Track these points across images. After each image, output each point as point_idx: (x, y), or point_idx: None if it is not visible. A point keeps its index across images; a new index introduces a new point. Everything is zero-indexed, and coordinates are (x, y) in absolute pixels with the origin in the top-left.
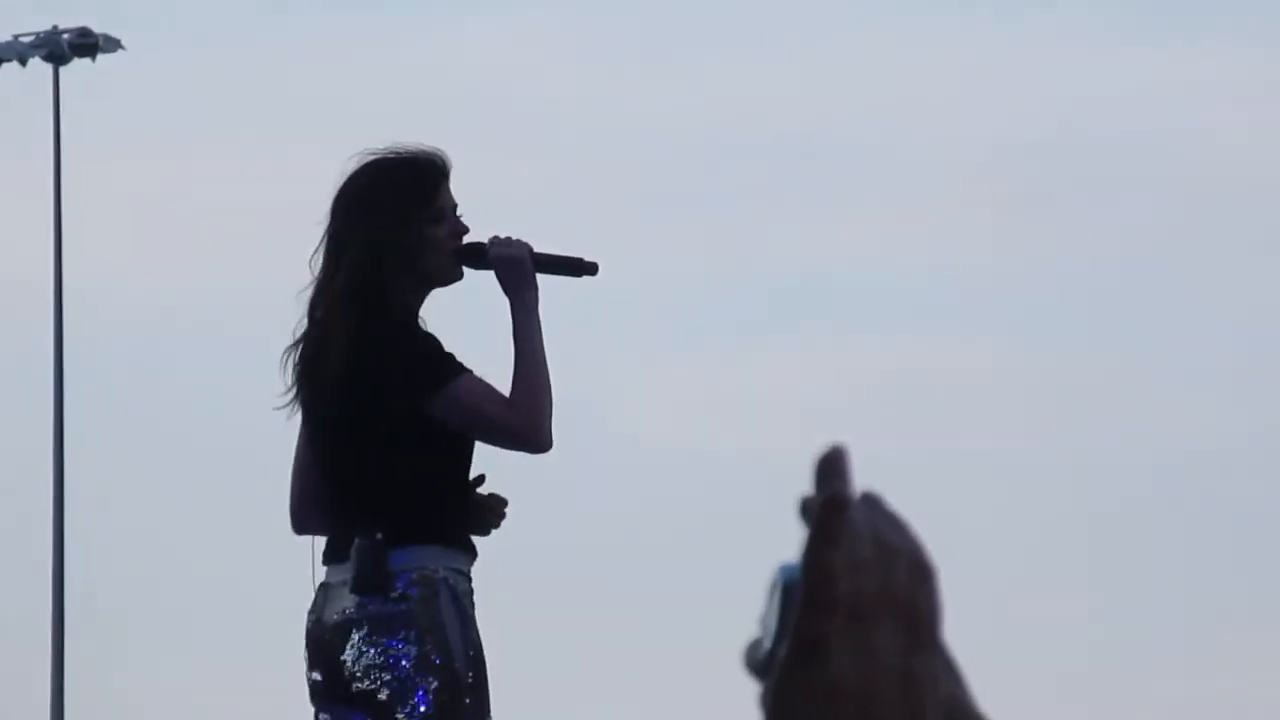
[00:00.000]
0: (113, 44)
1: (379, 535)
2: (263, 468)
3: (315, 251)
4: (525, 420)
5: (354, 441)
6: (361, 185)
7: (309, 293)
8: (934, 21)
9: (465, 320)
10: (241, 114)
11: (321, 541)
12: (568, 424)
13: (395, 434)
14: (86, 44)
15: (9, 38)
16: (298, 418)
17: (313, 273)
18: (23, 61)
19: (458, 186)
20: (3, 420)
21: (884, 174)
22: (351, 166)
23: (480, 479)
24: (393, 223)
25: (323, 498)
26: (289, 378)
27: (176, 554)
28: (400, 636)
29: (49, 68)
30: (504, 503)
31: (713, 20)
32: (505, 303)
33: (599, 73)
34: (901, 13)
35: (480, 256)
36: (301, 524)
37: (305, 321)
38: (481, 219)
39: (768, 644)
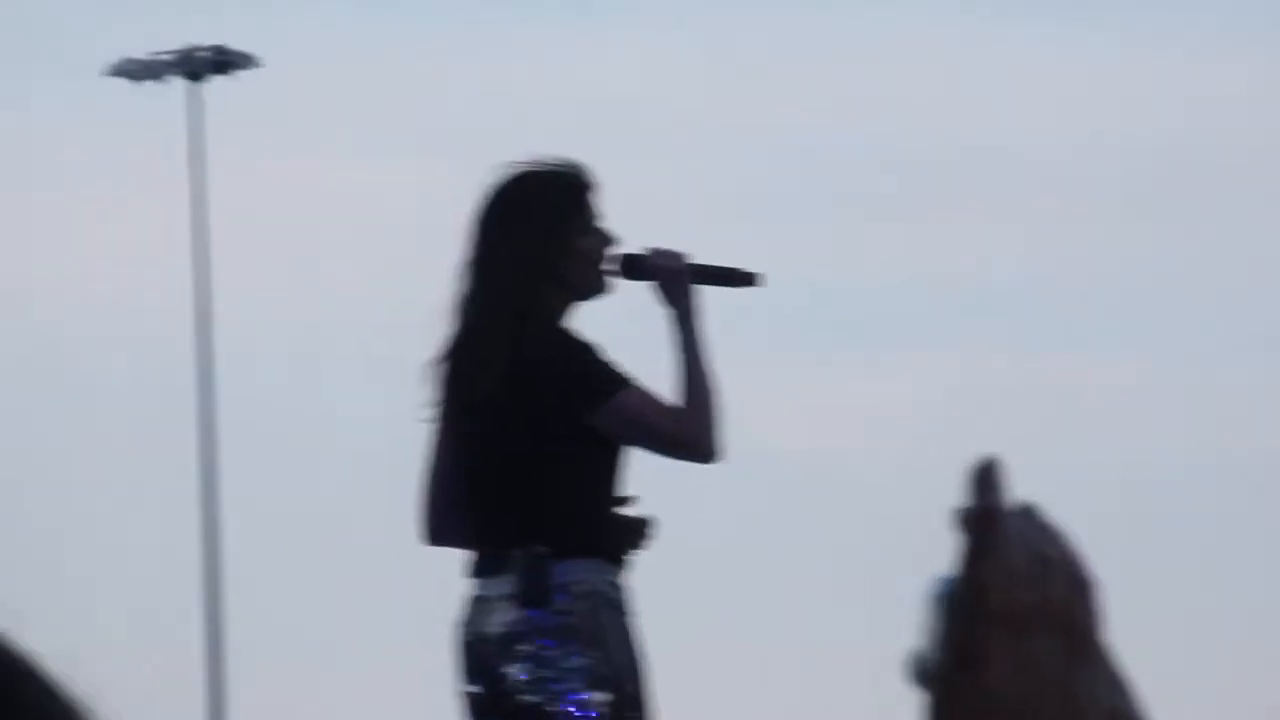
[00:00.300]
0: (250, 61)
1: (541, 548)
2: (406, 480)
3: (461, 265)
4: (697, 431)
5: (515, 454)
6: (510, 198)
7: (456, 306)
8: (1077, 28)
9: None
10: (377, 130)
11: (454, 554)
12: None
13: (558, 446)
14: (224, 61)
15: (147, 56)
16: (430, 431)
17: (459, 286)
18: (161, 79)
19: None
20: (147, 438)
21: (1031, 182)
22: (497, 179)
23: (630, 499)
24: (543, 234)
25: (467, 511)
26: (434, 391)
27: (323, 565)
28: (567, 650)
29: (187, 85)
30: (650, 524)
31: (843, 30)
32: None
33: (726, 83)
34: (1041, 16)
35: (639, 268)
36: (437, 536)
37: (453, 335)
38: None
39: (926, 655)
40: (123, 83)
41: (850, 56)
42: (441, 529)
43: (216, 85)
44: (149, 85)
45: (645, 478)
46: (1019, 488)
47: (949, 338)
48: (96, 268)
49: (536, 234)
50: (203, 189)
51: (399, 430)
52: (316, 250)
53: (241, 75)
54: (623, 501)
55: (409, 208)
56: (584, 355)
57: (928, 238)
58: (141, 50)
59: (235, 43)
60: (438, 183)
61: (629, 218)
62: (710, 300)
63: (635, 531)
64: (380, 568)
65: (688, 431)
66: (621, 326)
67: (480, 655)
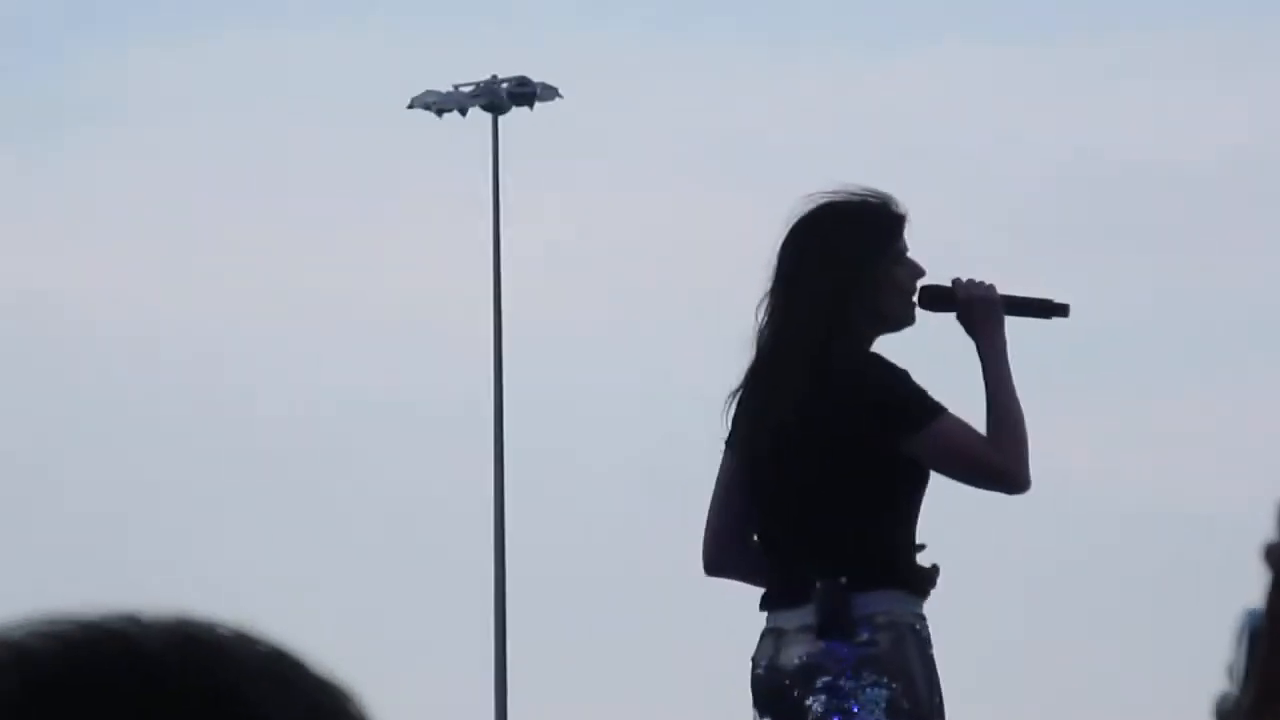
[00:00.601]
0: (550, 92)
1: (842, 579)
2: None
3: (769, 293)
4: (1012, 460)
5: (818, 482)
6: (823, 227)
7: (761, 335)
8: None
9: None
10: (676, 158)
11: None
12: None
13: (869, 473)
14: (524, 93)
15: (449, 88)
16: (721, 460)
17: (761, 315)
18: (463, 111)
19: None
20: (444, 463)
21: None
22: (804, 209)
23: (921, 547)
24: (858, 264)
25: (763, 542)
26: (729, 419)
27: (612, 597)
28: (871, 681)
29: (488, 117)
30: (938, 572)
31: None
32: (963, 344)
33: (1008, 109)
34: None
35: (947, 299)
36: (719, 567)
37: (755, 362)
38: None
39: (1235, 691)
40: (426, 115)
41: (1130, 75)
42: (722, 560)
43: (517, 116)
44: (451, 117)
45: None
46: None
47: (1256, 367)
48: (396, 303)
49: (853, 263)
50: (499, 220)
51: (696, 461)
52: (612, 278)
53: (542, 107)
54: (918, 544)
55: (711, 237)
56: (901, 380)
57: (1227, 266)
58: (444, 82)
59: (536, 74)
60: (740, 211)
61: (928, 247)
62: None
63: (929, 578)
64: (669, 600)
65: (1004, 461)
66: (917, 357)
67: (777, 688)
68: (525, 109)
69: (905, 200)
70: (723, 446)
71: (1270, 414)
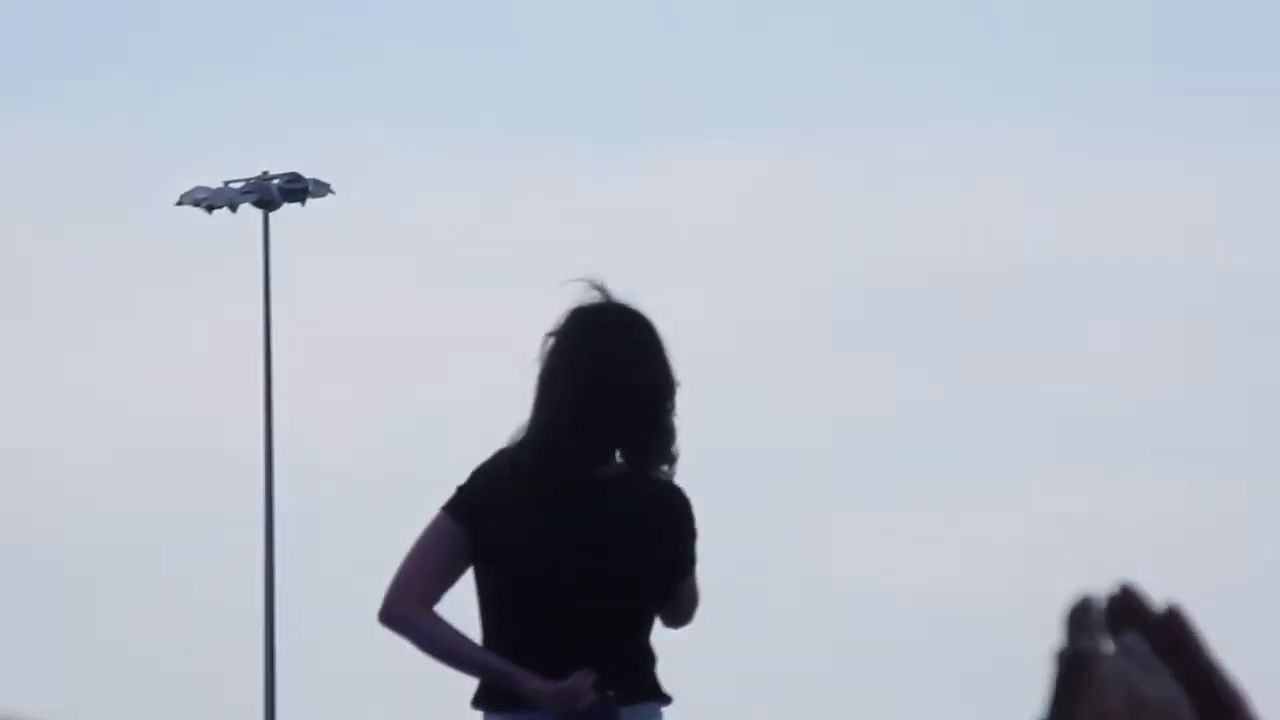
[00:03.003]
0: (322, 188)
1: (610, 692)
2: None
3: (590, 386)
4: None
5: (633, 598)
6: (652, 332)
7: (581, 425)
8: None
9: None
10: (448, 257)
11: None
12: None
13: (669, 591)
14: (296, 189)
15: (220, 184)
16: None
17: (589, 407)
18: (233, 208)
19: (674, 325)
20: (215, 555)
21: (1088, 309)
22: (626, 308)
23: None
24: (672, 381)
25: (526, 643)
26: (488, 496)
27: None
28: None
29: (259, 213)
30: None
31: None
32: None
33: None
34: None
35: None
36: (402, 621)
37: (571, 452)
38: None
39: None
40: (195, 212)
41: (920, 174)
42: (412, 616)
43: (289, 213)
44: (222, 213)
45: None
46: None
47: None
48: (165, 401)
49: (671, 378)
50: (270, 318)
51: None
52: (384, 376)
53: (314, 203)
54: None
55: (485, 334)
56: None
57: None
58: (215, 178)
59: (308, 170)
60: (508, 308)
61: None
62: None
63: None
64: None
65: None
66: None
67: None
68: (297, 205)
69: (676, 297)
70: (443, 510)
71: (1045, 512)
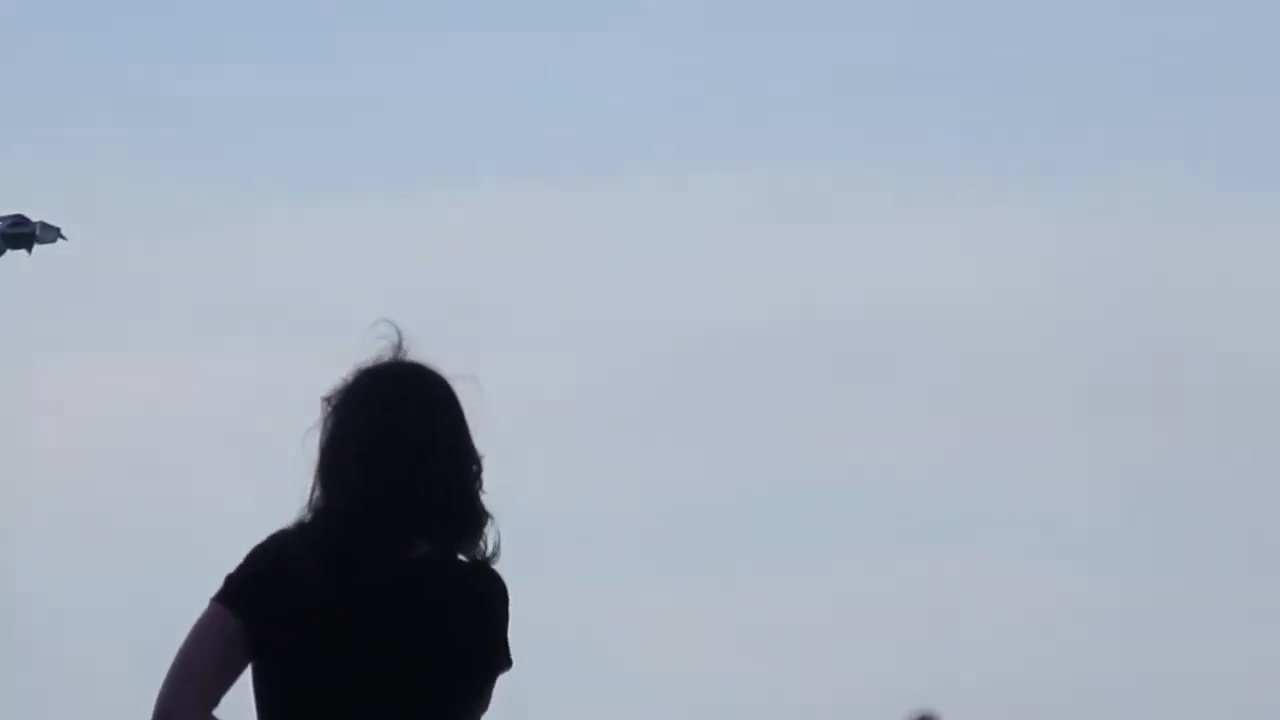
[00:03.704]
0: (51, 233)
1: None
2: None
3: (391, 448)
4: None
5: (453, 695)
6: (449, 389)
7: (388, 488)
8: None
9: None
10: (206, 312)
11: None
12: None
13: (481, 695)
14: (20, 234)
15: None
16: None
17: (394, 470)
18: None
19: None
20: None
21: (913, 374)
22: (421, 368)
23: None
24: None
25: None
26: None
27: None
28: None
29: None
30: None
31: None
32: None
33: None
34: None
35: None
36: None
37: (379, 535)
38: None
39: None
40: None
41: (730, 230)
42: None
43: (11, 261)
44: None
45: None
46: None
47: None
48: None
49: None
50: None
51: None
52: (115, 442)
53: (42, 250)
54: None
55: (219, 394)
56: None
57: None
58: None
59: (35, 213)
60: (252, 367)
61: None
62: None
63: None
64: None
65: None
66: None
67: None
68: (21, 252)
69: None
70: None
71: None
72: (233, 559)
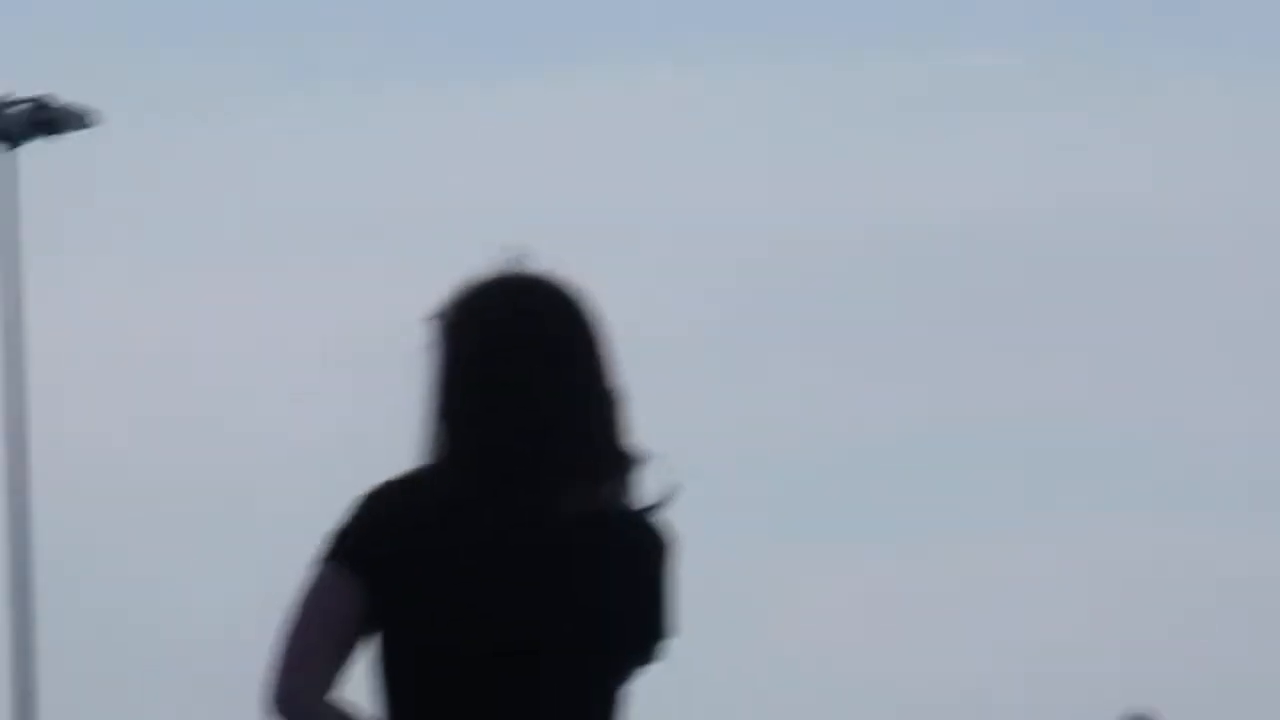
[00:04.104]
0: (81, 119)
1: None
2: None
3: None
4: None
5: (609, 668)
6: (589, 306)
7: (502, 429)
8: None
9: None
10: (258, 208)
11: None
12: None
13: (647, 661)
14: (49, 119)
15: None
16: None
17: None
18: None
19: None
20: None
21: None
22: (557, 281)
23: None
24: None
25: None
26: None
27: None
28: None
29: None
30: None
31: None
32: None
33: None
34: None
35: None
36: (300, 715)
37: (521, 485)
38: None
39: None
40: None
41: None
42: (308, 705)
43: (39, 150)
44: None
45: None
46: None
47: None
48: None
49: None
50: (17, 279)
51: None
52: (165, 355)
53: (75, 137)
54: None
55: (300, 304)
56: None
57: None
58: None
59: (66, 94)
60: (328, 277)
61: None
62: None
63: None
64: None
65: None
66: None
67: None
68: (50, 139)
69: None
70: (330, 561)
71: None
72: (314, 507)
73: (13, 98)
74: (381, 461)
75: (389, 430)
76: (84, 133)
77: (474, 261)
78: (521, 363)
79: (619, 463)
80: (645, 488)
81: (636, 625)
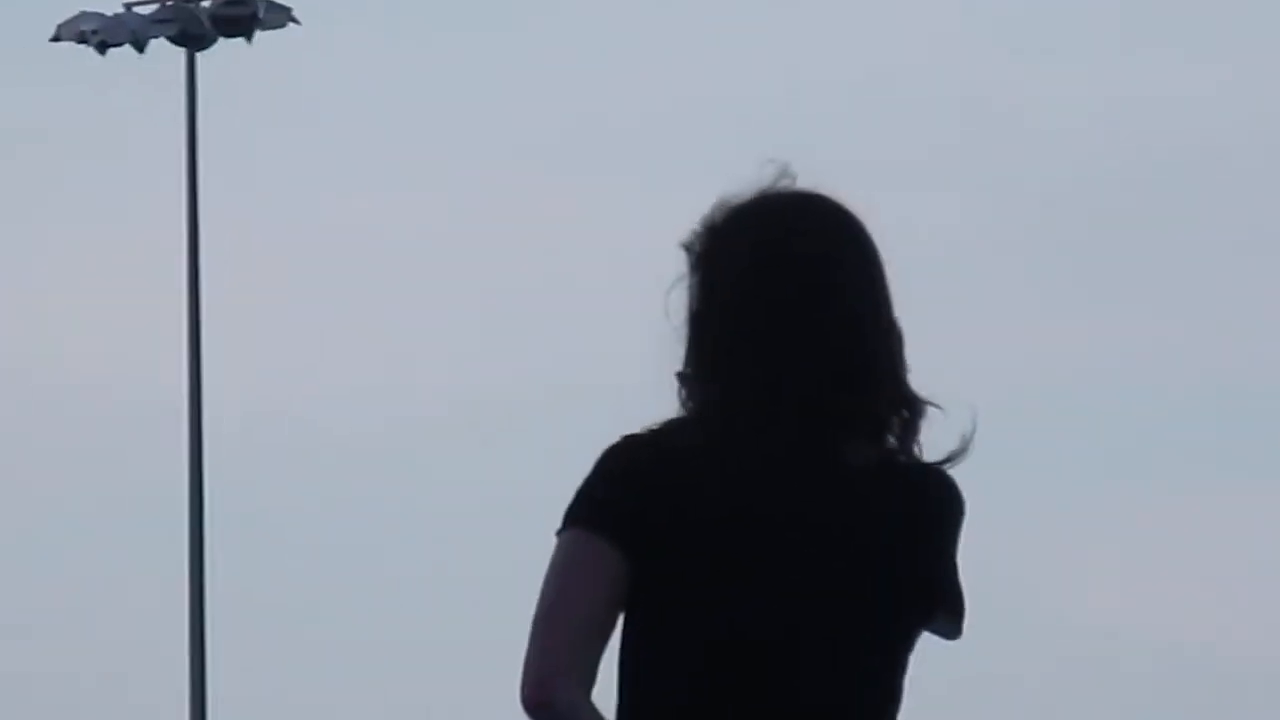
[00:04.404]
0: (277, 17)
1: None
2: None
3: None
4: None
5: (897, 629)
6: (867, 231)
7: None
8: None
9: None
10: (463, 119)
11: None
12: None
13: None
14: (237, 16)
15: (119, 8)
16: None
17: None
18: (139, 46)
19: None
20: (137, 448)
21: None
22: (829, 200)
23: None
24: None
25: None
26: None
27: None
28: None
29: (181, 52)
30: None
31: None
32: None
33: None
34: None
35: None
36: (559, 711)
37: (809, 438)
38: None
39: None
40: (80, 50)
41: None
42: (568, 698)
43: (224, 52)
44: (120, 53)
45: None
46: None
47: None
48: (67, 290)
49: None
50: (196, 195)
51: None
52: (325, 271)
53: (265, 36)
54: None
55: (493, 213)
56: None
57: None
58: (107, 3)
59: None
60: (524, 185)
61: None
62: None
63: None
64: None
65: None
66: None
67: None
68: (238, 40)
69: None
70: (587, 529)
71: None
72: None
73: None
74: (629, 412)
75: (629, 380)
76: (281, 32)
77: (730, 177)
78: (798, 287)
79: (909, 407)
80: (933, 438)
81: (929, 591)
